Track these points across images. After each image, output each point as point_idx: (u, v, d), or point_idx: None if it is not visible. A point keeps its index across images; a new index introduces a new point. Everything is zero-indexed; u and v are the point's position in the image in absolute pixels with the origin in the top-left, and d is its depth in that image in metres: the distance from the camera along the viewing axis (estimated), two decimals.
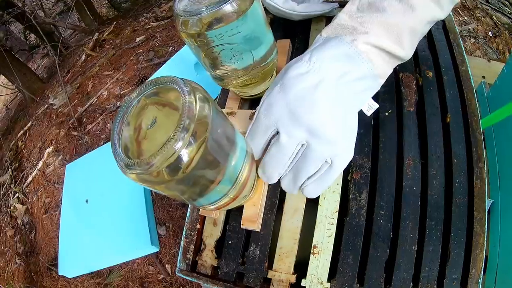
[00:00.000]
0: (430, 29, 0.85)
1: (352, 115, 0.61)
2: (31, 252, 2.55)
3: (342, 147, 0.58)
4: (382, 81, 0.62)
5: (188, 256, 0.77)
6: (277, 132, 0.61)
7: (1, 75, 4.15)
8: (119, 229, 1.77)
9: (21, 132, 3.56)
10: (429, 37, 0.88)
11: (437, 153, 0.72)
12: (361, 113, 0.64)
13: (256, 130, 0.63)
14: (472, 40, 2.48)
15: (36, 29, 3.75)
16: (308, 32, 0.94)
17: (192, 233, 0.79)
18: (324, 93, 0.57)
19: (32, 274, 2.44)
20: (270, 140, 0.63)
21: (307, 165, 0.59)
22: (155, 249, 1.72)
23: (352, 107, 0.60)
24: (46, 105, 3.47)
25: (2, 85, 4.81)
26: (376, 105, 0.64)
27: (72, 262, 1.88)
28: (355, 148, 0.62)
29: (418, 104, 0.78)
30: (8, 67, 3.57)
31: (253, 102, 0.88)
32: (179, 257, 0.78)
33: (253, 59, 0.66)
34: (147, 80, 0.50)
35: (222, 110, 0.72)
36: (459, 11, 2.64)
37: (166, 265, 1.96)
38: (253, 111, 0.76)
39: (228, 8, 0.55)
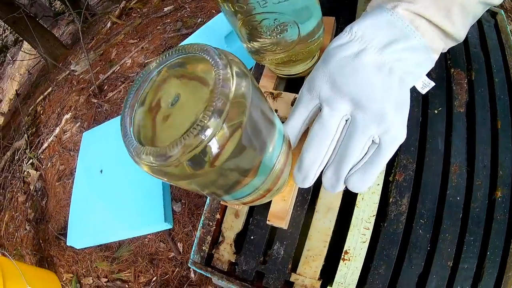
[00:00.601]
0: (482, 26, 0.81)
1: (403, 88, 0.51)
2: (41, 219, 2.54)
3: (391, 122, 0.48)
4: (436, 57, 0.52)
5: (204, 248, 0.71)
6: (319, 109, 0.53)
7: (24, 41, 4.15)
8: (133, 202, 1.72)
9: (41, 97, 3.55)
10: (480, 34, 0.82)
11: (484, 162, 0.66)
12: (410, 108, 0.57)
13: (297, 107, 0.55)
14: None
15: None
16: (354, 11, 0.86)
17: (211, 223, 0.72)
18: (368, 60, 0.49)
19: (41, 241, 2.44)
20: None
21: (352, 146, 0.49)
22: (168, 226, 1.68)
23: (402, 80, 0.51)
24: (68, 71, 3.44)
25: (24, 52, 4.83)
26: (432, 83, 0.55)
27: (81, 233, 1.86)
28: (400, 146, 0.55)
29: (468, 105, 0.71)
30: (30, 33, 3.55)
31: (290, 83, 0.80)
32: (193, 248, 0.72)
33: (298, 33, 0.57)
34: (172, 49, 0.41)
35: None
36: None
37: (178, 244, 1.91)
38: (296, 95, 0.68)
39: None
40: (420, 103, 0.71)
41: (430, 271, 0.60)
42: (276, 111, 0.67)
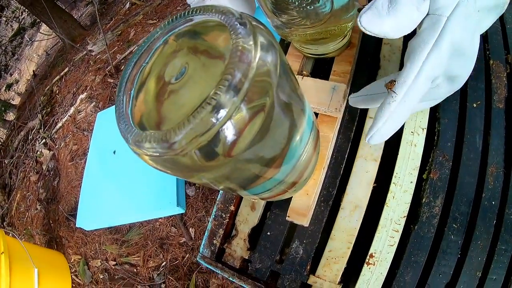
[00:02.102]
0: None
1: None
2: (52, 199, 2.53)
3: None
4: None
5: (215, 242, 0.66)
6: None
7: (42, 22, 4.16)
8: (145, 185, 1.68)
9: (57, 77, 3.54)
10: None
11: None
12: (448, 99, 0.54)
13: None
14: None
15: None
16: None
17: (224, 215, 0.67)
18: None
19: (51, 222, 2.43)
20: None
21: None
22: (180, 211, 1.64)
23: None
24: (85, 52, 3.42)
25: (43, 33, 4.84)
26: None
27: (91, 215, 1.85)
28: (437, 141, 0.56)
29: (508, 101, 0.65)
30: (47, 14, 3.54)
31: (318, 63, 0.73)
32: (203, 241, 0.67)
33: (331, 5, 0.50)
34: (181, 12, 0.34)
35: None
36: None
37: (190, 229, 1.86)
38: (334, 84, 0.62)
39: None
40: (458, 94, 0.65)
41: (458, 281, 0.54)
42: None
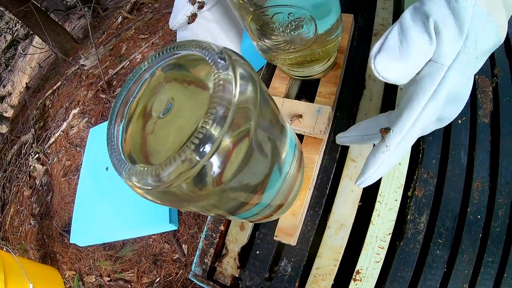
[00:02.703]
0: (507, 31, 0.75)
1: None
2: (46, 214, 2.53)
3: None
4: None
5: (206, 260, 0.67)
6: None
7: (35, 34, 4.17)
8: (138, 202, 1.68)
9: (50, 91, 3.55)
10: (506, 37, 0.74)
11: (507, 178, 0.60)
12: None
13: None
14: None
15: None
16: (374, 8, 0.80)
17: (214, 235, 0.67)
18: None
19: (45, 237, 2.42)
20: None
21: None
22: (173, 227, 1.65)
23: None
24: (77, 66, 3.43)
25: (35, 46, 4.84)
26: None
27: (85, 231, 1.85)
28: (421, 159, 0.57)
29: (493, 115, 0.66)
30: (40, 26, 3.56)
31: (304, 84, 0.74)
32: (195, 260, 0.68)
33: (315, 31, 0.51)
34: (166, 46, 0.36)
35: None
36: None
37: (183, 245, 1.87)
38: (319, 106, 0.63)
39: None
40: None
41: None
42: None
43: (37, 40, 4.93)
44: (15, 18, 4.40)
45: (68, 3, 5.29)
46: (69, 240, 1.95)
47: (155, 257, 1.93)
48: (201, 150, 0.27)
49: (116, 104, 0.35)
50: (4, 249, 2.08)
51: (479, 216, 0.58)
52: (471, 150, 0.63)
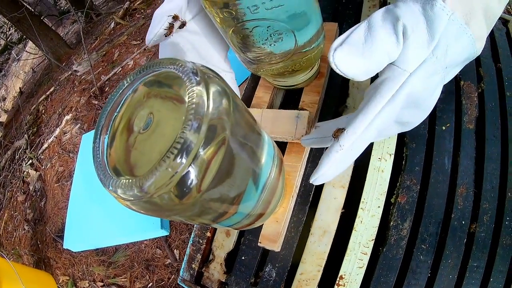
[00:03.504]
0: (494, 36, 0.77)
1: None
2: (40, 220, 2.53)
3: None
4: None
5: (194, 266, 0.68)
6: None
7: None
8: None
9: (43, 96, 3.55)
10: (492, 43, 0.77)
11: (493, 183, 0.61)
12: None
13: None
14: None
15: None
16: (359, 15, 0.81)
17: (201, 241, 0.68)
18: None
19: (38, 243, 2.43)
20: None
21: None
22: (164, 233, 1.66)
23: None
24: (70, 71, 3.43)
25: (28, 52, 4.84)
26: None
27: (78, 237, 1.85)
28: (405, 165, 0.58)
29: (478, 121, 0.67)
30: (33, 31, 3.57)
31: (288, 93, 0.76)
32: (183, 265, 0.69)
33: (295, 42, 0.52)
34: (143, 65, 0.37)
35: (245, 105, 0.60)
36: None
37: (175, 250, 1.89)
38: (298, 112, 0.65)
39: None
40: (427, 119, 0.66)
41: None
42: None
43: (30, 45, 4.93)
44: (9, 22, 4.40)
45: (62, 8, 5.29)
46: (62, 245, 1.96)
47: (148, 262, 1.94)
48: (178, 160, 0.28)
49: (100, 119, 0.36)
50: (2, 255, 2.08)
51: (463, 222, 0.59)
52: (456, 156, 0.64)
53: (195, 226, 0.70)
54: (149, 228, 1.67)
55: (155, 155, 0.31)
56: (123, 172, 0.33)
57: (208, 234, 0.68)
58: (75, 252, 2.14)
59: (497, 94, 0.69)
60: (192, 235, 0.70)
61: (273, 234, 0.58)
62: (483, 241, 0.58)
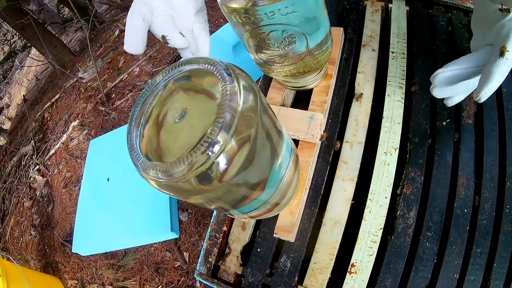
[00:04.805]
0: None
1: None
2: (47, 225, 2.54)
3: None
4: None
5: (210, 259, 0.71)
6: None
7: (32, 47, 4.18)
8: (139, 211, 1.70)
9: (48, 103, 3.56)
10: None
11: (492, 174, 0.65)
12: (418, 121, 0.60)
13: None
14: None
15: (70, 3, 3.74)
16: (362, 21, 0.85)
17: (217, 235, 0.72)
18: None
19: (46, 247, 2.43)
20: None
21: None
22: (174, 236, 1.67)
23: None
24: (75, 78, 3.45)
25: (33, 58, 4.85)
26: None
27: (87, 241, 1.85)
28: (408, 159, 0.62)
29: (477, 116, 0.71)
30: (38, 39, 3.58)
31: (298, 94, 0.80)
32: (199, 259, 0.72)
33: (306, 45, 0.56)
34: (178, 61, 0.41)
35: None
36: None
37: (184, 253, 1.90)
38: (312, 113, 0.69)
39: None
40: (428, 115, 0.71)
41: (437, 283, 0.59)
42: None
43: (34, 52, 4.94)
44: (13, 30, 4.42)
45: (65, 16, 5.32)
46: (71, 249, 1.96)
47: (157, 265, 1.95)
48: (209, 151, 0.32)
49: (134, 111, 0.40)
50: (5, 259, 2.09)
51: (465, 210, 0.63)
52: (456, 149, 0.68)
53: (211, 221, 0.73)
54: (159, 231, 1.68)
55: (184, 145, 0.35)
56: (153, 159, 0.36)
57: (225, 228, 0.72)
58: (83, 256, 2.15)
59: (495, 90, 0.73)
60: (209, 230, 0.73)
61: (288, 225, 0.62)
62: (485, 228, 0.61)
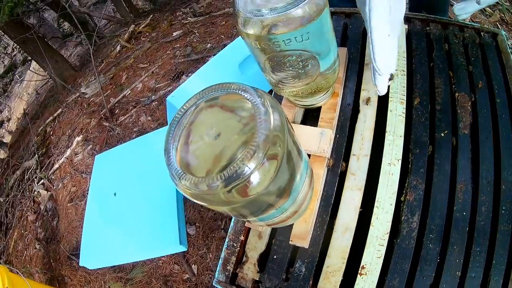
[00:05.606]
0: (484, 48, 0.87)
1: None
2: (52, 239, 2.54)
3: None
4: None
5: (228, 267, 0.75)
6: None
7: (32, 60, 4.20)
8: (147, 225, 1.72)
9: (50, 118, 3.57)
10: (482, 56, 0.86)
11: (488, 178, 0.71)
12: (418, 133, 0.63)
13: None
14: None
15: (70, 18, 3.76)
16: (365, 38, 0.91)
17: (235, 244, 0.76)
18: None
19: (51, 261, 2.44)
20: None
21: None
22: (183, 249, 1.68)
23: None
24: (78, 94, 3.47)
25: (33, 71, 4.87)
26: None
27: (94, 254, 1.85)
28: (410, 168, 0.67)
29: (472, 126, 0.77)
30: (40, 53, 3.60)
31: (307, 112, 0.86)
32: (218, 268, 0.76)
33: (318, 67, 0.62)
34: (210, 86, 0.47)
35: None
36: (498, 25, 2.56)
37: (193, 266, 1.92)
38: (322, 129, 0.74)
39: (299, 12, 0.51)
40: (427, 128, 0.77)
41: (441, 281, 0.64)
42: None
43: (34, 66, 4.95)
44: (13, 44, 4.43)
45: (65, 31, 5.35)
46: (77, 263, 1.96)
47: (166, 278, 1.96)
48: (245, 169, 0.37)
49: (170, 129, 0.45)
50: (11, 270, 2.09)
51: (464, 213, 0.68)
52: (454, 157, 0.73)
53: (229, 231, 0.77)
54: (168, 245, 1.68)
55: (215, 161, 0.40)
56: (187, 173, 0.41)
57: (242, 238, 0.76)
58: (91, 270, 2.16)
59: (488, 101, 0.79)
60: (226, 240, 0.77)
61: (302, 233, 0.67)
62: (483, 228, 0.67)
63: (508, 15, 2.66)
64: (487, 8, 2.57)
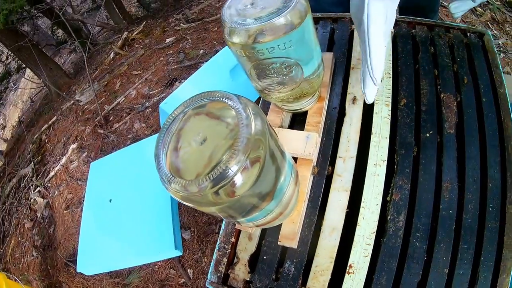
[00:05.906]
0: (469, 47, 0.88)
1: None
2: (49, 246, 2.55)
3: None
4: None
5: (220, 269, 0.77)
6: None
7: (27, 68, 4.21)
8: (143, 230, 1.75)
9: (45, 126, 3.59)
10: (468, 56, 0.88)
11: (474, 177, 0.71)
12: (403, 135, 0.64)
13: None
14: (502, 55, 2.42)
15: (64, 25, 3.78)
16: (350, 45, 0.93)
17: (226, 246, 0.78)
18: None
19: (49, 268, 2.45)
20: None
21: None
22: (178, 253, 1.69)
23: None
24: (72, 101, 3.49)
25: (27, 79, 4.88)
26: None
27: (91, 260, 1.86)
28: (396, 168, 0.68)
29: (458, 126, 0.78)
30: (34, 60, 3.62)
31: (295, 116, 0.87)
32: (210, 269, 0.77)
33: (302, 73, 0.64)
34: (197, 94, 0.49)
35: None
36: (489, 25, 2.59)
37: (188, 270, 1.94)
38: (308, 133, 0.76)
39: (281, 21, 0.53)
40: (412, 128, 0.78)
41: (428, 278, 0.65)
42: None
43: (28, 73, 4.96)
44: (7, 51, 4.44)
45: (59, 38, 5.36)
46: (75, 269, 1.98)
47: (162, 283, 1.98)
48: (229, 171, 0.39)
49: (160, 136, 0.47)
50: (12, 278, 2.09)
51: (450, 211, 0.69)
52: (439, 157, 0.75)
53: (220, 234, 0.79)
54: (163, 249, 1.69)
55: (202, 164, 0.42)
56: (176, 176, 0.43)
57: (233, 239, 0.78)
58: (88, 276, 2.17)
59: (474, 101, 0.80)
60: (218, 242, 0.79)
61: (290, 233, 0.68)
62: (470, 226, 0.68)
63: (499, 14, 2.69)
64: (478, 8, 2.60)
